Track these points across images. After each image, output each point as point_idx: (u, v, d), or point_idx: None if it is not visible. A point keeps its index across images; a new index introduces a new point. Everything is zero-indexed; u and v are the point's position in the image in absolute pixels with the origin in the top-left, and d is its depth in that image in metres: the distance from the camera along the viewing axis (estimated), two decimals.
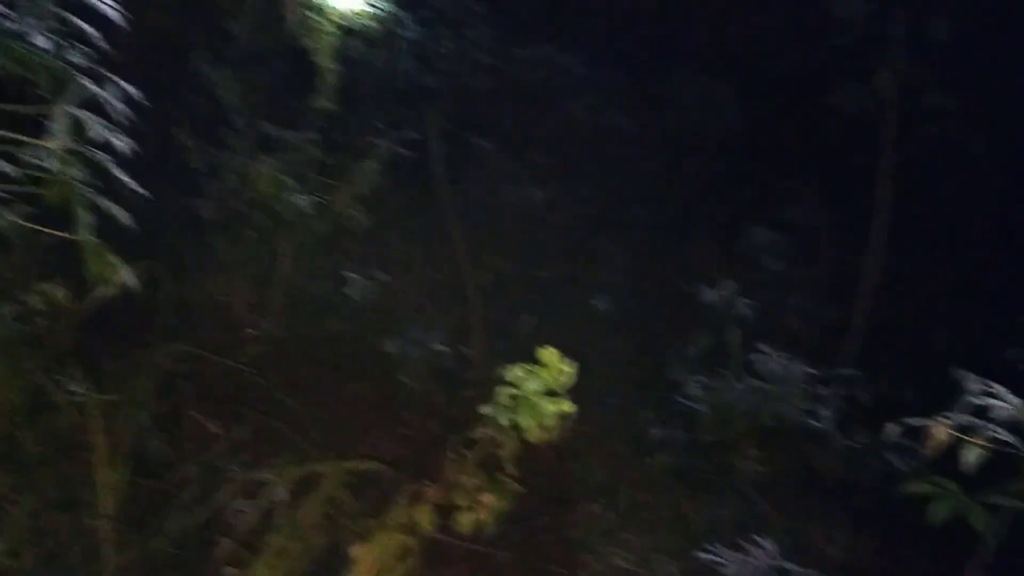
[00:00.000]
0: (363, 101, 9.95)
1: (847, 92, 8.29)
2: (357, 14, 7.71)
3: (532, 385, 3.24)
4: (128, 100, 3.54)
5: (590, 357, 7.99)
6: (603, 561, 5.96)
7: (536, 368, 3.28)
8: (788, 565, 5.23)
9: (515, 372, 3.28)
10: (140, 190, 3.73)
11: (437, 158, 9.63)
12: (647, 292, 9.80)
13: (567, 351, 8.68)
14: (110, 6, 3.57)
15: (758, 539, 5.40)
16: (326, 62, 7.51)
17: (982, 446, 3.26)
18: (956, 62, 8.77)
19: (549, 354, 3.32)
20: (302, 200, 7.09)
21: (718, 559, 5.26)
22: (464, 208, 10.10)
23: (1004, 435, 3.31)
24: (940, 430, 3.32)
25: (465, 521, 3.27)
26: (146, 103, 4.01)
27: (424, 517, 3.16)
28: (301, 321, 7.18)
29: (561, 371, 3.32)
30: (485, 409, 3.38)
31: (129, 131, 3.87)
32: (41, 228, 3.58)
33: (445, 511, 3.32)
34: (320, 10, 7.45)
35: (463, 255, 9.29)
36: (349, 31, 8.43)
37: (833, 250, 10.90)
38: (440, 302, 9.00)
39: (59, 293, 4.50)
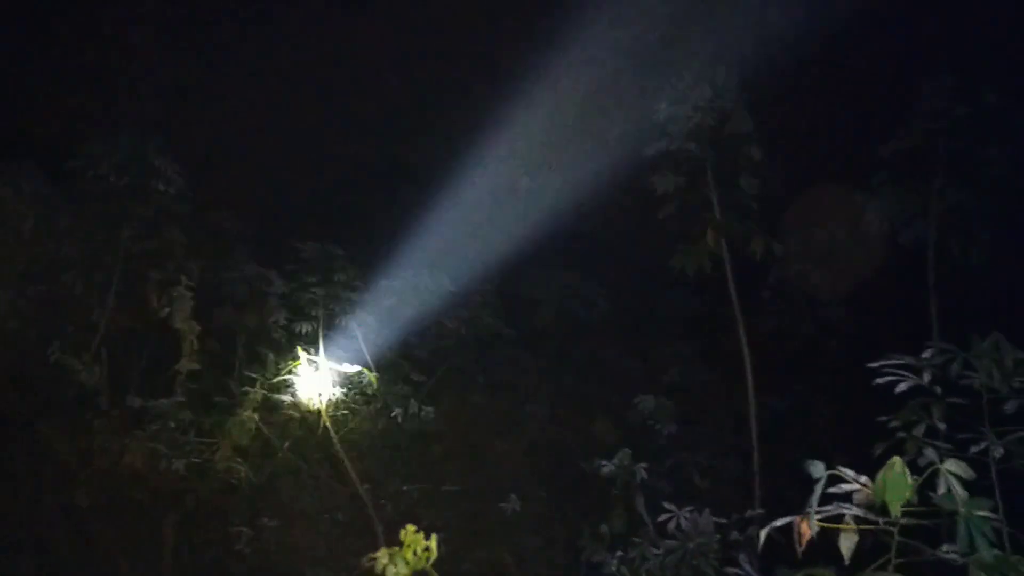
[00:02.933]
0: (236, 351, 10.08)
1: (682, 255, 8.92)
2: None
3: (397, 571, 3.16)
4: None
5: (509, 561, 7.84)
6: None
7: (398, 551, 3.21)
8: None
9: (379, 559, 3.20)
10: None
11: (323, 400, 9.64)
12: (553, 483, 9.76)
13: (485, 560, 8.49)
14: None
15: None
16: (187, 326, 7.65)
17: (846, 528, 3.34)
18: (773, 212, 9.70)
19: (410, 534, 3.27)
20: (180, 466, 6.93)
21: None
22: (356, 441, 10.05)
23: (862, 513, 3.42)
24: (805, 525, 3.39)
25: None
26: None
27: None
28: None
29: (425, 549, 3.26)
30: None
31: None
32: None
33: None
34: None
35: (363, 488, 9.10)
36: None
37: (718, 402, 11.31)
38: (348, 541, 8.69)
39: None
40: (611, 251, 12.55)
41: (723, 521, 7.12)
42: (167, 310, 7.57)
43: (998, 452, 5.05)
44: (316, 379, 10.03)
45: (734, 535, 7.14)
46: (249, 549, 6.90)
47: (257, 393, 7.19)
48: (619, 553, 7.32)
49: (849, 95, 10.69)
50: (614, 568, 7.22)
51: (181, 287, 7.60)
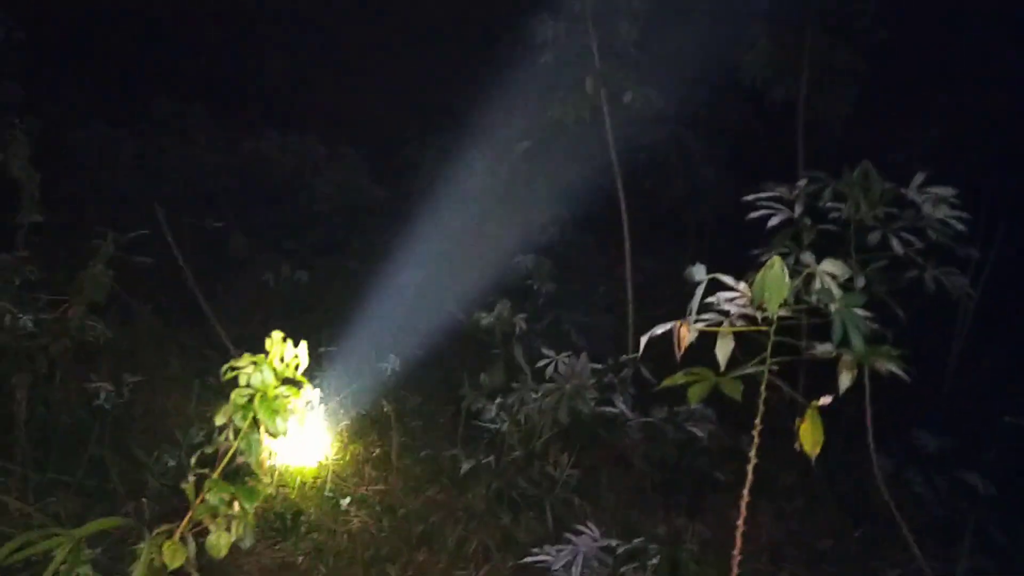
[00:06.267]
0: (86, 212, 9.41)
1: (560, 105, 8.76)
2: None
3: (263, 377, 2.99)
4: None
5: (390, 417, 7.78)
6: None
7: (263, 358, 3.03)
8: (612, 542, 5.18)
9: (242, 367, 3.01)
10: None
11: (180, 255, 9.14)
12: (433, 342, 9.68)
13: (364, 417, 8.41)
14: None
15: (581, 527, 5.33)
16: (25, 174, 6.96)
17: (724, 331, 3.37)
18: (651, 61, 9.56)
19: (276, 342, 3.08)
20: (28, 322, 6.39)
21: (545, 558, 5.13)
22: (225, 304, 9.67)
23: (740, 324, 3.45)
24: (685, 329, 3.40)
25: (219, 543, 2.91)
26: None
27: (173, 555, 2.78)
28: (55, 453, 6.42)
29: (294, 357, 3.09)
30: (218, 418, 3.07)
31: None
32: None
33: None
34: None
35: (236, 352, 8.76)
36: None
37: (595, 263, 11.49)
38: (220, 404, 8.40)
39: None
40: (489, 110, 12.22)
41: (599, 367, 7.27)
42: (3, 158, 6.84)
43: (860, 282, 5.23)
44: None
45: (609, 378, 7.32)
46: (110, 405, 6.52)
47: (109, 246, 6.66)
48: (498, 400, 7.41)
49: None
50: (493, 414, 7.30)
51: (16, 131, 6.86)
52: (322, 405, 8.02)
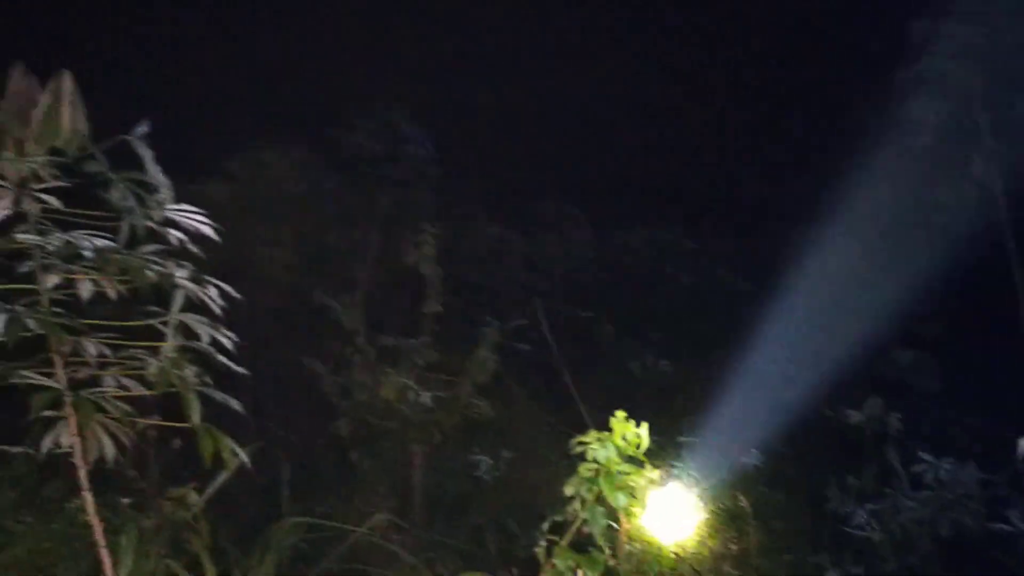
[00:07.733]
0: (478, 302, 10.60)
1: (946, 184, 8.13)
2: None
3: (607, 453, 3.18)
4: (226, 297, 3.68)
5: (749, 514, 7.62)
6: None
7: (608, 435, 3.23)
8: None
9: (589, 443, 3.23)
10: (242, 371, 3.81)
11: (553, 344, 9.89)
12: (797, 438, 9.28)
13: (724, 513, 8.30)
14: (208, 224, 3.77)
15: None
16: (433, 271, 8.15)
17: None
18: None
19: (620, 420, 3.27)
20: (427, 399, 7.40)
21: None
22: (592, 389, 10.19)
23: None
24: None
25: None
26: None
27: None
28: (441, 516, 7.26)
29: (636, 436, 3.25)
30: (567, 488, 3.31)
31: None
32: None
33: None
34: None
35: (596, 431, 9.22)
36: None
37: (992, 357, 10.19)
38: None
39: (191, 497, 4.73)
40: (854, 192, 11.62)
41: (989, 476, 6.49)
42: (415, 258, 8.11)
43: None
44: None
45: (1002, 489, 6.48)
46: (488, 477, 7.24)
47: (494, 334, 7.51)
48: (868, 505, 6.90)
49: None
50: (863, 520, 6.81)
51: (427, 235, 8.11)
52: (680, 494, 8.07)
